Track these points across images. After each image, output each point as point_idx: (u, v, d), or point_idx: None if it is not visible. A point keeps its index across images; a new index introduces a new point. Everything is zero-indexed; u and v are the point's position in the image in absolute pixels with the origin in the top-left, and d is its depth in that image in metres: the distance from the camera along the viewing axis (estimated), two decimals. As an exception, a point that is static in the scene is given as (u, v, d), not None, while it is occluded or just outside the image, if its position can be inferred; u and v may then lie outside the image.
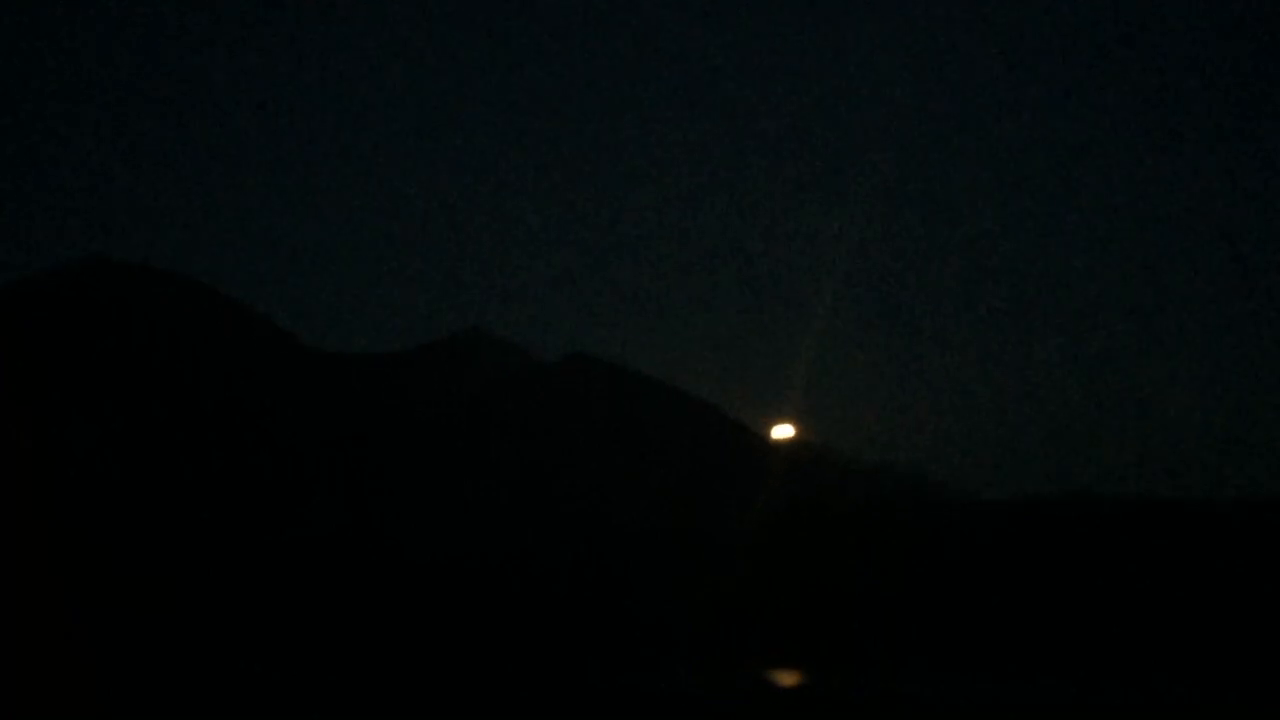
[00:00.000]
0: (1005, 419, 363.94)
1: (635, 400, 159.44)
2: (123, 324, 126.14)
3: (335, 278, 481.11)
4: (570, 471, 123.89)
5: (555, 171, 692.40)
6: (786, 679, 66.89)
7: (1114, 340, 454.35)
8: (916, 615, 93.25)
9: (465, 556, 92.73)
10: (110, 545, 70.84)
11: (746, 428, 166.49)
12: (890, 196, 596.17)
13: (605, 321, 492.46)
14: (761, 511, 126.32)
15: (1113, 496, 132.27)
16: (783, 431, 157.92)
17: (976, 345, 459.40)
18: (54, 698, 22.21)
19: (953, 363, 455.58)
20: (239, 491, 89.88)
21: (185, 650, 61.89)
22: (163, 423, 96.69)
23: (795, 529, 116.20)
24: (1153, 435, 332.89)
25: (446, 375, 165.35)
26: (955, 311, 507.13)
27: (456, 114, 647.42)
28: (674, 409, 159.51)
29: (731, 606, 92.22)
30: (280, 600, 74.48)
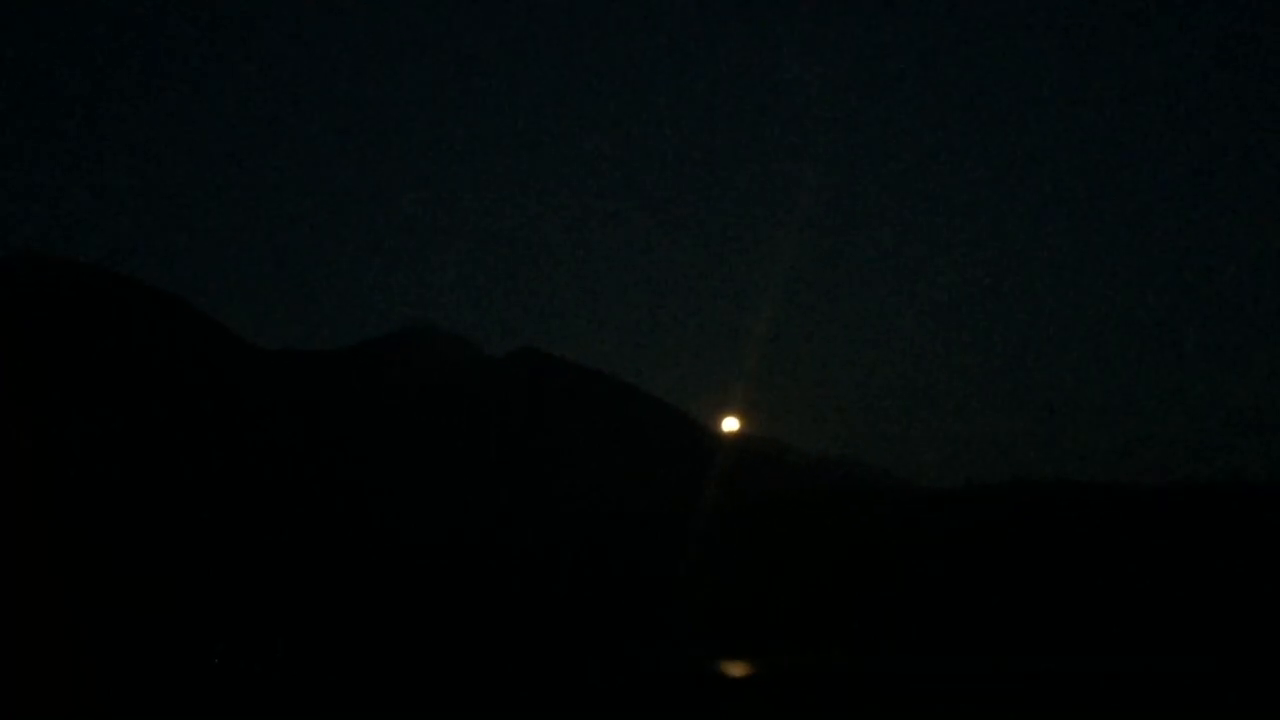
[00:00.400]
0: (946, 408, 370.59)
1: (583, 393, 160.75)
2: (62, 322, 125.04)
3: (274, 273, 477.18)
4: (523, 460, 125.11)
5: (503, 167, 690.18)
6: (736, 669, 68.64)
7: (1052, 327, 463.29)
8: (870, 600, 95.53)
9: (427, 542, 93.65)
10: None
11: (694, 420, 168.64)
12: (831, 196, 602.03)
13: (553, 316, 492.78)
14: (710, 502, 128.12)
15: (1053, 481, 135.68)
16: (730, 424, 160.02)
17: (917, 337, 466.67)
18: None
19: (895, 355, 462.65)
20: (212, 489, 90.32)
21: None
22: (121, 425, 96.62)
23: (746, 520, 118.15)
24: (1091, 421, 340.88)
25: (397, 369, 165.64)
26: (896, 303, 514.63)
27: (406, 110, 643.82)
28: (622, 402, 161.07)
29: (683, 595, 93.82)
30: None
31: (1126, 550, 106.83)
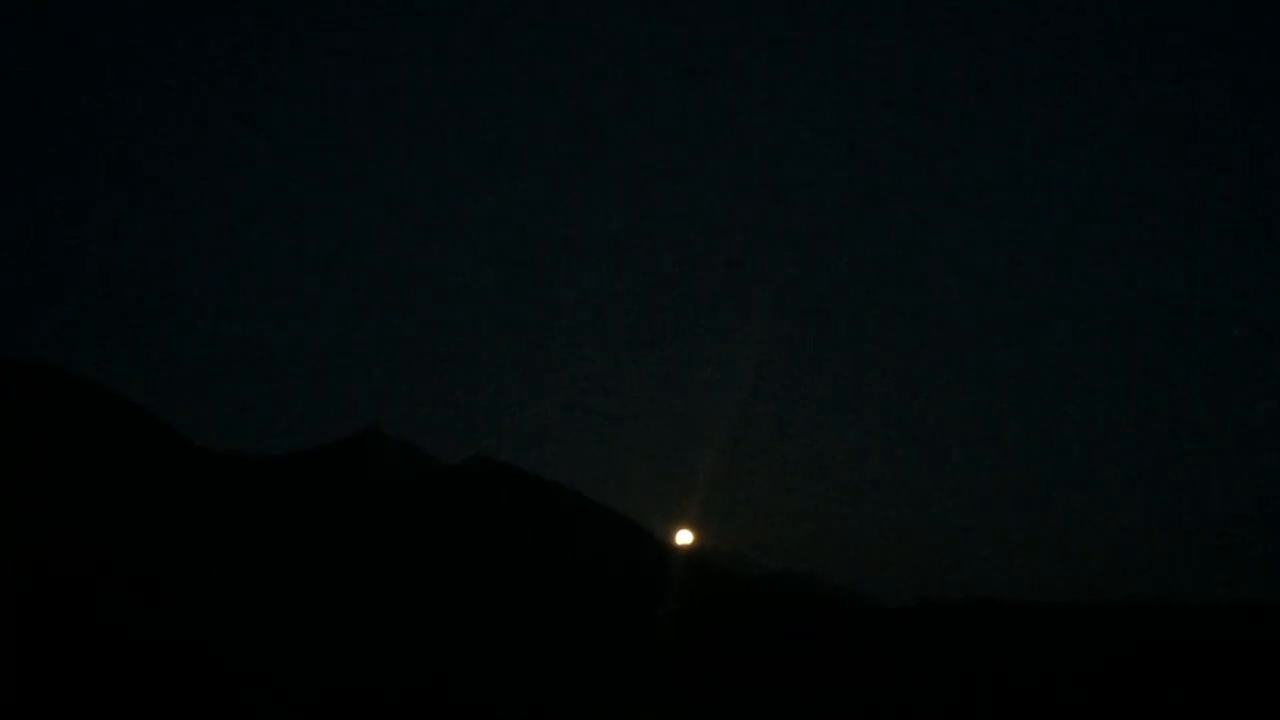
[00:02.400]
0: (903, 525, 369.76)
1: (537, 504, 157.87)
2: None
3: (217, 375, 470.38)
4: (477, 572, 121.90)
5: (448, 270, 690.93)
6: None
7: (1009, 446, 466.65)
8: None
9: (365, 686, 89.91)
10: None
11: (647, 533, 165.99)
12: (791, 309, 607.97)
13: (505, 424, 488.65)
14: (663, 620, 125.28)
15: (1015, 602, 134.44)
16: (683, 538, 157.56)
17: (874, 452, 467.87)
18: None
19: (852, 470, 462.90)
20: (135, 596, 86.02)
21: None
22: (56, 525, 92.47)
23: (696, 640, 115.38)
24: (1051, 540, 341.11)
25: (345, 477, 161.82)
26: (853, 420, 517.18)
27: (353, 205, 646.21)
28: (577, 513, 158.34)
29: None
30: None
31: (1091, 673, 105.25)
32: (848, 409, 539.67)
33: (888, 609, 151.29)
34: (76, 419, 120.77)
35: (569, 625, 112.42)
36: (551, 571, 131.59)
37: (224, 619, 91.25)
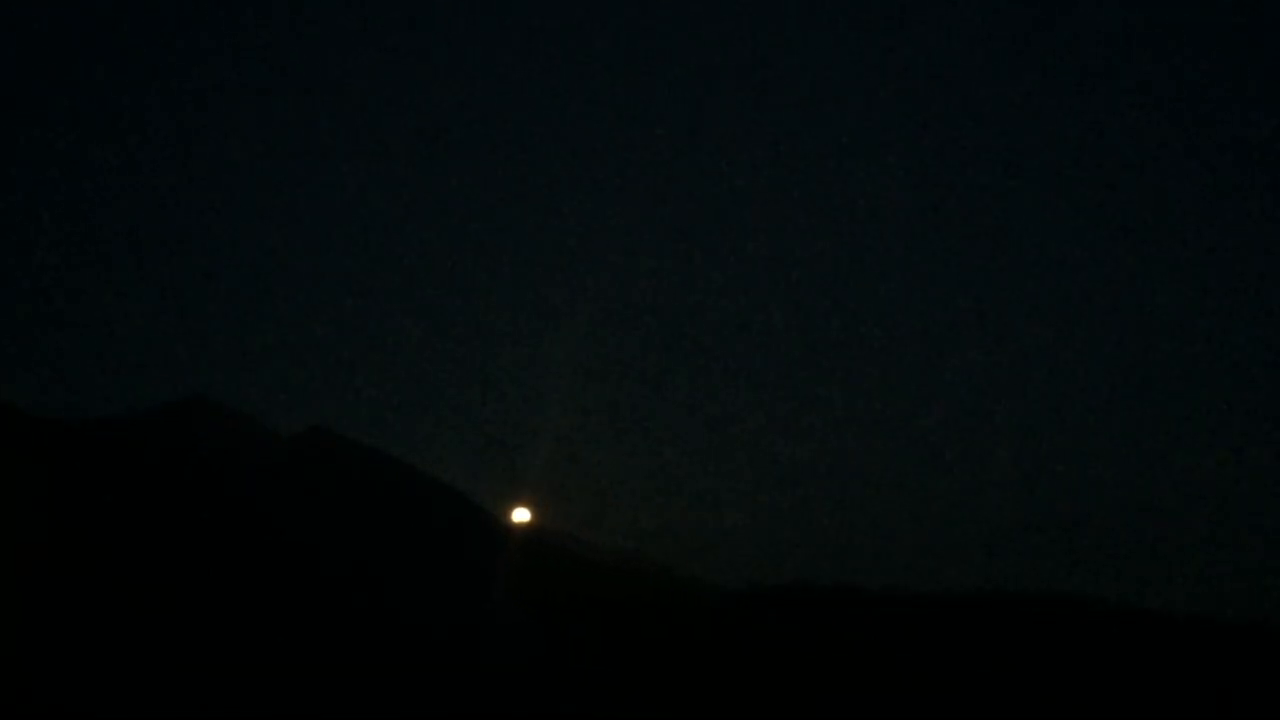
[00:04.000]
0: (734, 506, 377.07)
1: (375, 478, 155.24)
2: None
3: (25, 332, 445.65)
4: (312, 549, 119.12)
5: (288, 233, 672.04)
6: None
7: (844, 429, 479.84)
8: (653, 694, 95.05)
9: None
10: None
11: (486, 511, 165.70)
12: (622, 282, 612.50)
13: (344, 396, 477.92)
14: (498, 600, 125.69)
15: (832, 585, 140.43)
16: (521, 516, 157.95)
17: (713, 434, 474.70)
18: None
19: (692, 451, 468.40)
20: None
21: None
22: None
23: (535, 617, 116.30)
24: (876, 524, 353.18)
25: (171, 445, 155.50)
26: (692, 397, 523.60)
27: (187, 147, 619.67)
28: (416, 488, 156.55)
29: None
30: None
31: (906, 657, 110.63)
32: (684, 388, 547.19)
33: (715, 590, 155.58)
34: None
35: (413, 613, 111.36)
36: (393, 552, 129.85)
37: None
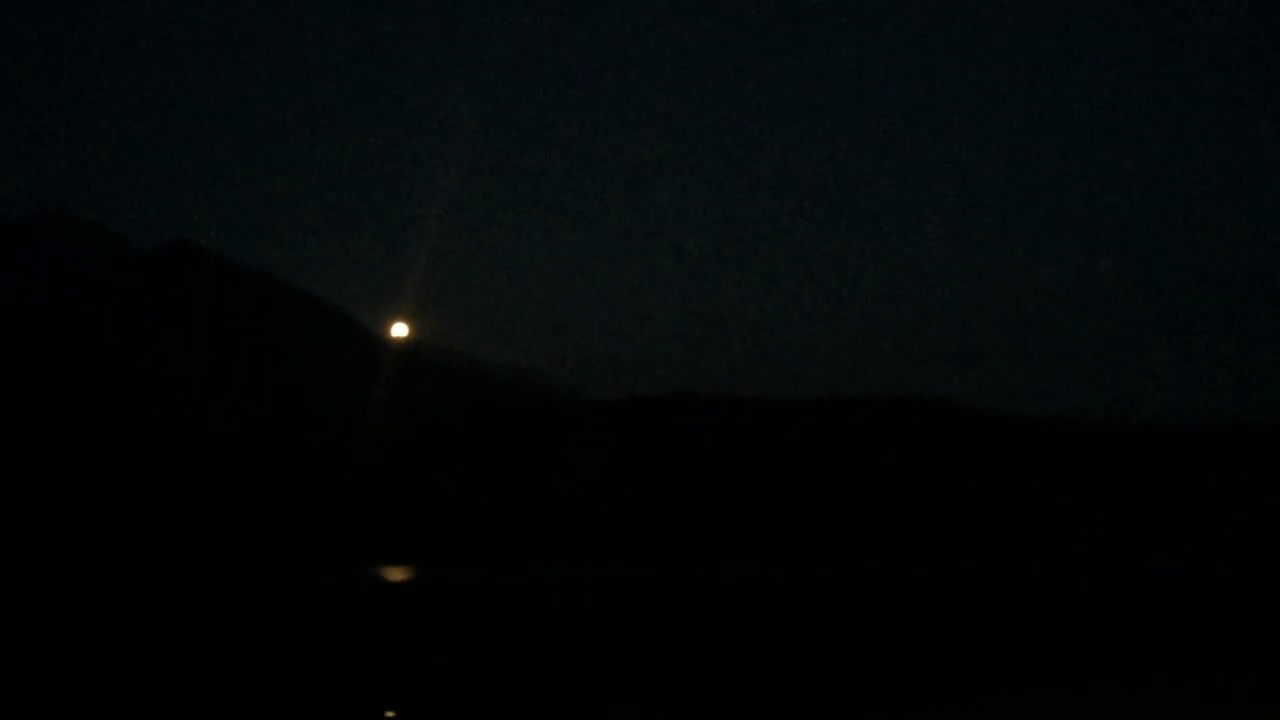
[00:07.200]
0: (612, 324, 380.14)
1: (240, 292, 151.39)
2: None
3: None
4: (174, 364, 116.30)
5: (154, 42, 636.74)
6: (397, 574, 67.02)
7: (709, 245, 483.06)
8: (530, 509, 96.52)
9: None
10: None
11: (359, 323, 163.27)
12: (507, 102, 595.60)
13: (207, 207, 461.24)
14: (374, 412, 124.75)
15: (708, 394, 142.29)
16: (398, 330, 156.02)
17: (586, 250, 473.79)
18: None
19: (570, 269, 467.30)
20: None
21: None
22: None
23: (408, 433, 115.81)
24: (740, 339, 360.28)
25: (26, 259, 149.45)
26: (566, 216, 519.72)
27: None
28: (283, 302, 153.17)
29: (351, 509, 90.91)
30: None
31: (778, 457, 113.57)
32: (571, 209, 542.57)
33: (595, 401, 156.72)
34: None
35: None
36: (259, 363, 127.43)
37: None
